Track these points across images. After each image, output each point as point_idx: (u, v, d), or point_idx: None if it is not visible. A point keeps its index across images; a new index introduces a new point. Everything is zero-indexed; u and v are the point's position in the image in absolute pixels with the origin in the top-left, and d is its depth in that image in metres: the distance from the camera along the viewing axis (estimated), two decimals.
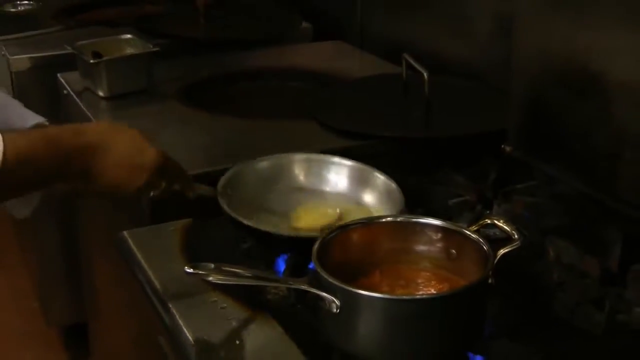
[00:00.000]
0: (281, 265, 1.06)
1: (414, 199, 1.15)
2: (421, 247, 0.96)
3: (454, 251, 0.94)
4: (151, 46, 1.75)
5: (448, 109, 1.47)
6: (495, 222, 0.94)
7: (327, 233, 0.94)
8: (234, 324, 0.96)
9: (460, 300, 0.85)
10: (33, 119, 1.26)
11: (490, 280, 0.87)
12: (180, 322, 0.97)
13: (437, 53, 1.72)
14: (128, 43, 1.81)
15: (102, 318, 1.90)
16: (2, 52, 1.97)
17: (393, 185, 1.14)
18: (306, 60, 1.96)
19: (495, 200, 1.20)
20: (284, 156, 1.23)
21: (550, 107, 1.31)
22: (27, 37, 2.07)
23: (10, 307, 2.69)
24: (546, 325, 0.96)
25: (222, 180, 1.15)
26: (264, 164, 1.21)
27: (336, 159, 1.22)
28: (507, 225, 0.93)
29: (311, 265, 0.90)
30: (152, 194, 1.09)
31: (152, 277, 1.06)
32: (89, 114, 1.62)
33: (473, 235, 0.92)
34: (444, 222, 0.95)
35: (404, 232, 0.97)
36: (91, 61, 1.66)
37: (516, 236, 0.90)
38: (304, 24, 2.20)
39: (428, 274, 0.95)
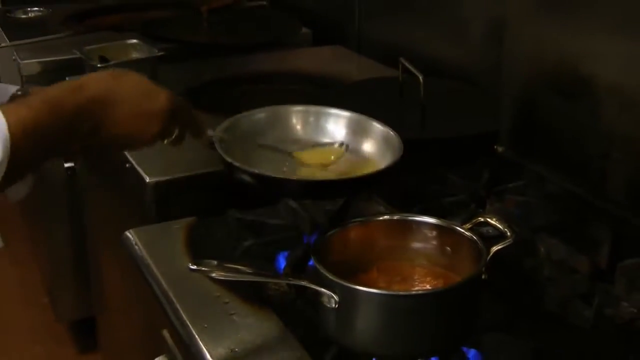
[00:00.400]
0: (282, 262, 1.06)
1: (410, 197, 1.15)
2: (417, 245, 0.96)
3: (448, 248, 0.94)
4: (156, 51, 1.76)
5: (443, 111, 1.47)
6: (489, 220, 0.94)
7: (325, 230, 0.94)
8: (236, 318, 0.96)
9: (455, 295, 0.85)
10: (11, 88, 1.14)
11: (483, 276, 0.87)
12: (185, 317, 0.97)
13: (433, 57, 1.72)
14: (134, 48, 1.81)
15: (109, 312, 1.90)
16: (13, 57, 1.98)
17: (391, 132, 1.10)
18: (306, 64, 1.96)
19: (489, 199, 1.20)
20: (282, 107, 1.17)
21: (541, 110, 1.31)
22: (37, 42, 2.07)
23: (21, 302, 2.69)
24: (537, 319, 0.96)
25: (219, 128, 1.08)
26: (261, 115, 1.15)
27: (334, 110, 1.17)
28: (499, 223, 0.92)
29: (311, 262, 0.90)
30: (165, 142, 1.00)
31: (158, 274, 1.06)
32: None
33: (467, 233, 0.92)
34: (439, 220, 0.95)
35: (400, 230, 0.97)
36: (98, 65, 1.66)
37: (509, 234, 0.90)
38: (304, 30, 2.20)
39: (424, 270, 0.95)
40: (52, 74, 1.92)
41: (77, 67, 1.77)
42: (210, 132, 1.04)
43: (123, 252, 1.17)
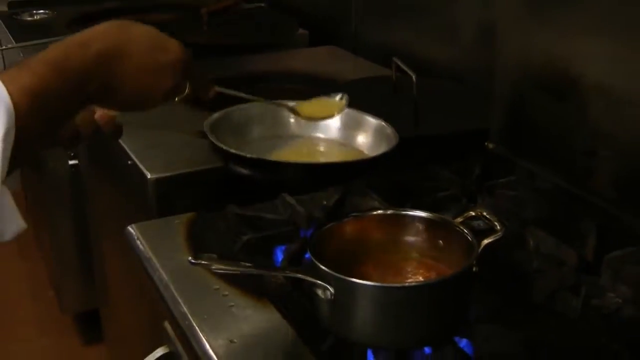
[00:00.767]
0: (279, 255, 1.06)
1: (404, 193, 1.15)
2: (410, 238, 0.96)
3: (441, 241, 0.94)
4: None
5: (435, 109, 1.46)
6: (480, 214, 0.94)
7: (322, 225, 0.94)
8: (235, 310, 0.96)
9: (447, 287, 0.85)
10: None
11: (474, 269, 0.87)
12: (185, 309, 0.96)
13: (426, 57, 1.72)
14: None
15: (112, 305, 1.90)
16: (19, 58, 1.97)
17: (384, 124, 1.08)
18: (302, 64, 1.96)
19: (480, 194, 1.20)
20: (275, 102, 1.14)
21: (530, 108, 1.31)
22: (43, 43, 2.07)
23: (28, 296, 2.70)
24: (526, 310, 0.96)
25: (209, 121, 1.04)
26: (254, 109, 1.14)
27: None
28: (490, 217, 0.92)
29: (307, 256, 0.90)
30: (177, 99, 0.91)
31: (159, 267, 1.06)
32: None
33: (459, 227, 0.91)
34: (431, 215, 0.95)
35: (394, 224, 0.96)
36: None
37: (499, 227, 0.90)
38: (301, 31, 2.20)
39: (416, 263, 0.95)
40: None
41: None
42: (217, 88, 0.97)
43: (125, 247, 1.17)
